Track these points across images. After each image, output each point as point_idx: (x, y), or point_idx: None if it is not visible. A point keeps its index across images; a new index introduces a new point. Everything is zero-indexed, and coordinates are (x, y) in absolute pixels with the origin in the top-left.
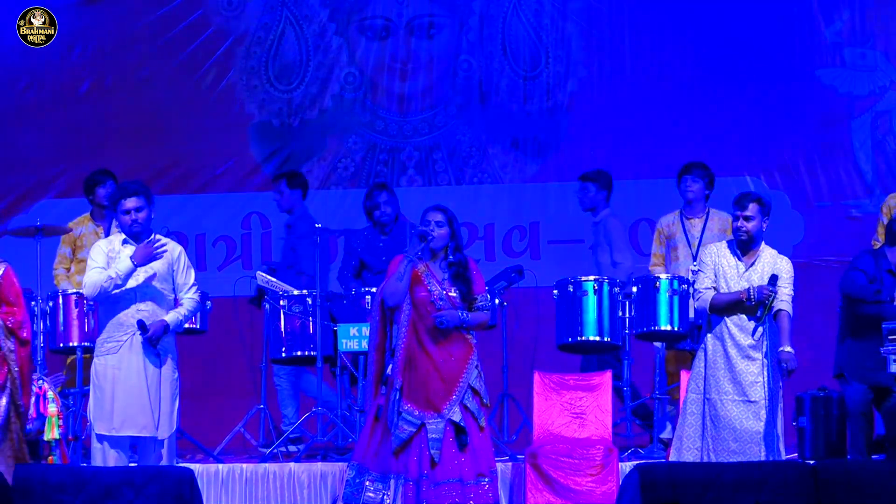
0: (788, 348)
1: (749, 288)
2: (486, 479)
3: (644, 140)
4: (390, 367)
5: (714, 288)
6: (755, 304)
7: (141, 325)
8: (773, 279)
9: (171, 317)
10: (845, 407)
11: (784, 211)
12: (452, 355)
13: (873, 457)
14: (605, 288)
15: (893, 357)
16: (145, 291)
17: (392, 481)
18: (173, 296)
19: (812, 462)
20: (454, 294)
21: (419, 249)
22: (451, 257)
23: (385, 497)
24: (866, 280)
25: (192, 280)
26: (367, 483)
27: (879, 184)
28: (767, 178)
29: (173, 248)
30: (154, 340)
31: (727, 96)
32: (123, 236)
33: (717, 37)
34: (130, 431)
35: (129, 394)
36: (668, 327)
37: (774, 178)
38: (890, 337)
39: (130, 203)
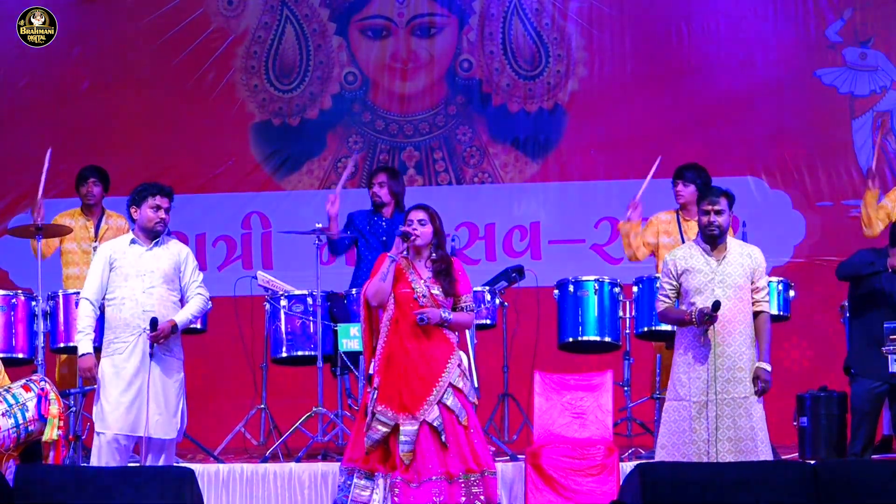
0: (766, 365)
1: (692, 311)
2: (475, 476)
3: (644, 140)
4: (372, 365)
5: (669, 298)
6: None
7: (153, 322)
8: (717, 305)
9: (179, 316)
10: (845, 406)
11: (784, 211)
12: (432, 354)
13: (874, 456)
14: (606, 288)
15: (894, 357)
16: (151, 293)
17: (380, 480)
18: (179, 296)
19: (812, 462)
20: (437, 292)
21: (402, 249)
22: (433, 255)
23: (374, 494)
24: (861, 259)
25: (199, 279)
26: (356, 481)
27: (879, 184)
28: (768, 178)
29: (180, 250)
30: (159, 338)
31: (727, 96)
32: (132, 236)
33: (717, 36)
34: (136, 432)
35: (135, 394)
36: (669, 327)
37: (774, 178)
38: (891, 337)
39: (164, 202)
